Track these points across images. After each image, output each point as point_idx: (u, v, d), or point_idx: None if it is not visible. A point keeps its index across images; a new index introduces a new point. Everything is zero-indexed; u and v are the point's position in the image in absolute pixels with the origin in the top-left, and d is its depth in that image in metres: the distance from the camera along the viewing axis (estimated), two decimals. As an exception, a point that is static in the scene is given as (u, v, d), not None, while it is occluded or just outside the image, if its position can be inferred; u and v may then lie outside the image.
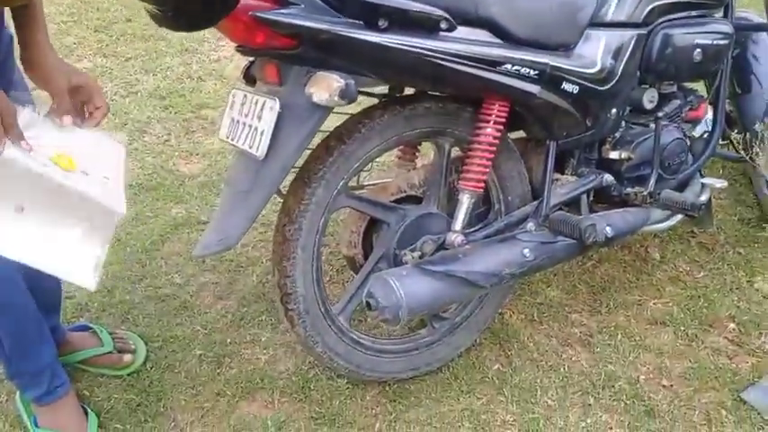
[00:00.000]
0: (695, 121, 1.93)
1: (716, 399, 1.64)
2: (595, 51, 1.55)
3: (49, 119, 1.20)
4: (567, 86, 1.51)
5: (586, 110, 1.59)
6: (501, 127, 1.49)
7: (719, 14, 1.83)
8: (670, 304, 1.94)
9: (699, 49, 1.69)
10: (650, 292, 1.99)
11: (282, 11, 1.19)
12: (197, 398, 1.63)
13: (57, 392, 1.48)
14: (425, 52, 1.29)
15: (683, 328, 1.85)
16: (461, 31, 1.34)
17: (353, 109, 1.41)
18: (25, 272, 1.38)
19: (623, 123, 1.74)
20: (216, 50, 3.45)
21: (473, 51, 1.35)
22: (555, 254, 1.58)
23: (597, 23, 1.57)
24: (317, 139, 1.40)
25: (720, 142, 1.98)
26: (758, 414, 1.60)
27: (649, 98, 1.71)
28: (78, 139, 1.21)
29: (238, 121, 1.37)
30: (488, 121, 1.48)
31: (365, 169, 1.54)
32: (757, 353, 1.78)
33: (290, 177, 1.42)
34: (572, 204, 1.71)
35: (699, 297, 1.96)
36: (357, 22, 1.23)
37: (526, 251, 1.51)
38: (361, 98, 1.31)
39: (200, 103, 2.96)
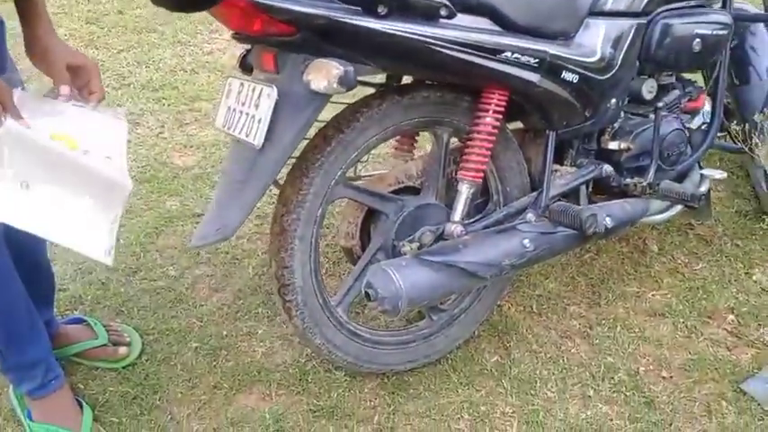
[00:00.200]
0: (694, 112, 1.93)
1: (716, 390, 1.64)
2: (595, 40, 1.55)
3: (47, 99, 1.19)
4: (566, 75, 1.49)
5: (586, 99, 1.58)
6: (500, 116, 1.48)
7: (718, 5, 1.82)
8: (669, 296, 1.94)
9: (698, 39, 1.69)
10: (649, 283, 1.99)
11: (281, -4, 1.16)
12: (193, 390, 1.61)
13: (51, 386, 1.47)
14: (425, 39, 1.27)
15: (682, 320, 1.85)
16: (461, 19, 1.33)
17: (351, 99, 1.39)
18: (18, 265, 1.37)
19: (622, 114, 1.74)
20: (209, 42, 3.42)
21: (473, 39, 1.33)
22: (555, 244, 1.57)
23: (597, 12, 1.56)
24: (314, 130, 1.38)
25: (719, 134, 1.98)
26: (758, 405, 1.59)
27: (648, 88, 1.71)
28: (77, 120, 1.20)
29: (235, 110, 1.34)
30: (487, 111, 1.47)
31: (362, 160, 1.52)
32: (756, 344, 1.78)
33: (287, 169, 1.41)
34: (571, 195, 1.71)
35: (697, 289, 1.96)
36: (356, 8, 1.21)
37: (526, 241, 1.50)
38: (358, 89, 1.29)
39: (193, 96, 2.94)
